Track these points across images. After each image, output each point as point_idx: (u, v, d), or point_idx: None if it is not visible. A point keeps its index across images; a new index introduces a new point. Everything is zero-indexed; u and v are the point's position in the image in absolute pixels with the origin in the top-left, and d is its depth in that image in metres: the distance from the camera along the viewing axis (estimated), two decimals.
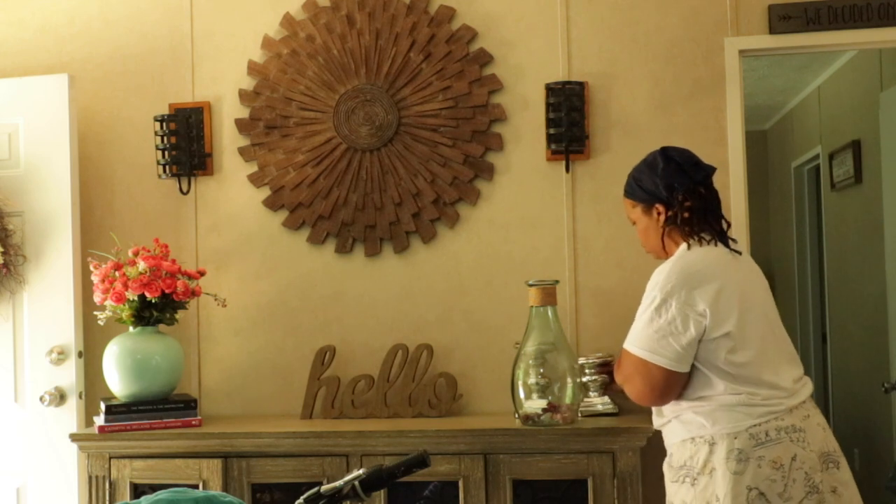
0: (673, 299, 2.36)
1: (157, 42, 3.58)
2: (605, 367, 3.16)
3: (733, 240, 2.53)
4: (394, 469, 1.82)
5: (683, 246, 2.49)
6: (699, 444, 2.38)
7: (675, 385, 2.40)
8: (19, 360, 3.40)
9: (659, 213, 2.53)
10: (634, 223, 2.64)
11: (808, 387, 2.46)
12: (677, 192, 2.48)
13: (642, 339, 2.41)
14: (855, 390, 5.51)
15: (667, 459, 2.53)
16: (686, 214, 2.48)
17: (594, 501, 2.95)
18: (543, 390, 3.02)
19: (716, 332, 2.35)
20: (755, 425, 2.33)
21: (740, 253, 2.51)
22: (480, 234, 3.42)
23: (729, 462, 2.32)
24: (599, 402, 3.17)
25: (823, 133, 5.98)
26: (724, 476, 2.32)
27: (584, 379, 3.19)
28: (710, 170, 2.55)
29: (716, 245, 2.47)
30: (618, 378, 2.54)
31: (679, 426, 2.44)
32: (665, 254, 2.56)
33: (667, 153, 2.55)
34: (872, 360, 4.99)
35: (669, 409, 2.48)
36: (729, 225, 2.55)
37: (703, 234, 2.48)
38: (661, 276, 2.41)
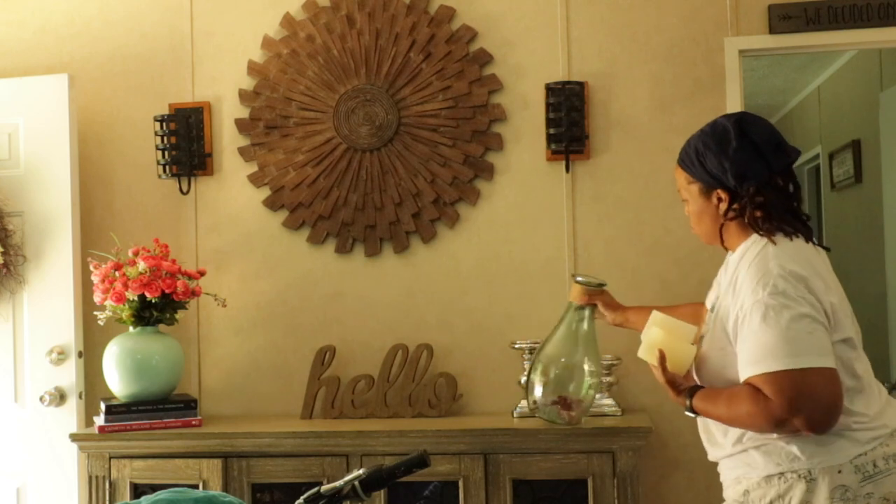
0: (797, 294, 1.87)
1: (157, 42, 3.58)
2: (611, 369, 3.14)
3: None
4: (394, 469, 1.82)
5: (758, 238, 2.01)
6: (791, 481, 1.93)
7: (841, 386, 1.91)
8: (19, 360, 3.40)
9: (720, 201, 2.05)
10: (685, 200, 2.14)
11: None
12: (749, 183, 1.99)
13: (789, 350, 1.85)
14: None
15: (731, 499, 2.07)
16: (758, 213, 1.99)
17: (594, 501, 2.95)
18: (559, 384, 2.93)
19: (835, 336, 1.93)
20: (861, 455, 1.91)
21: (829, 249, 2.07)
22: (480, 234, 3.42)
23: (834, 503, 1.90)
24: (606, 403, 3.16)
25: (823, 133, 5.98)
26: None
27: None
28: (795, 155, 2.05)
29: (792, 240, 1.99)
30: (777, 415, 1.86)
31: (760, 458, 1.97)
32: (720, 243, 2.10)
33: (743, 127, 2.01)
34: (872, 360, 4.96)
35: (737, 434, 2.01)
36: (808, 217, 2.08)
37: (784, 227, 2.00)
38: (768, 279, 1.91)
